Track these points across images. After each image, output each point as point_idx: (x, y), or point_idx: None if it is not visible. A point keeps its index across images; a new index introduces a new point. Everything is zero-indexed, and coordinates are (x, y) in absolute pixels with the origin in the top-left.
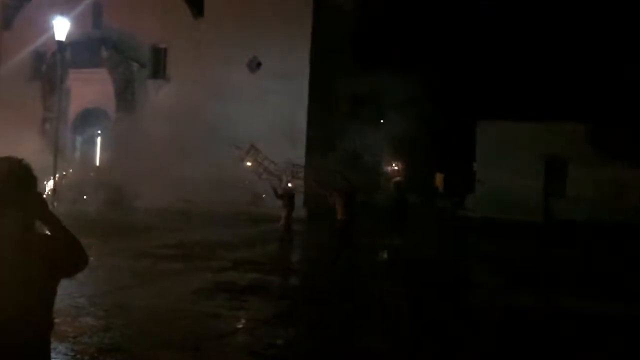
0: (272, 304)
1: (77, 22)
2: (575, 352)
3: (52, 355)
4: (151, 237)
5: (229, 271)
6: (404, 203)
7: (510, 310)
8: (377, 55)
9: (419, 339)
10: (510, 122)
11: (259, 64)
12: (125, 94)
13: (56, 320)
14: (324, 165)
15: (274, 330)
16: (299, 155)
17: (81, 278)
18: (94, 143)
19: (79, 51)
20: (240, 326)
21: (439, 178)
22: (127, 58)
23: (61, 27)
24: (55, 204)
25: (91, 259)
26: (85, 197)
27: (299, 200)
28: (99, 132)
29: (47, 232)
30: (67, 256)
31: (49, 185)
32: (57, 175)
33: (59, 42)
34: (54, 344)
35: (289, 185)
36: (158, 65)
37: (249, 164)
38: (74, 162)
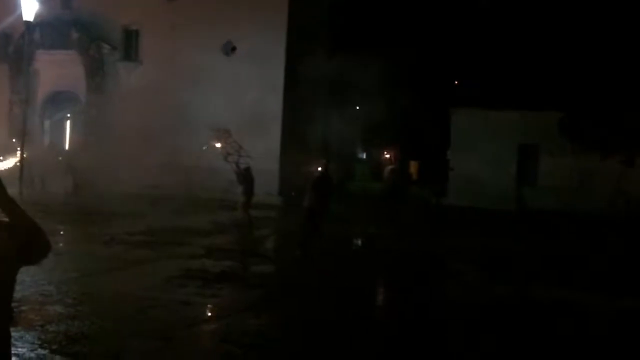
0: (244, 291)
1: (46, 2)
2: (551, 340)
3: (19, 344)
4: (121, 222)
5: (201, 258)
6: (400, 190)
7: (485, 300)
8: (353, 41)
9: (392, 326)
10: (483, 110)
11: (233, 48)
12: (96, 77)
13: (23, 308)
14: (298, 150)
15: (246, 319)
16: (273, 140)
17: (49, 265)
18: (63, 126)
19: (48, 32)
20: (212, 314)
21: (413, 166)
22: (97, 40)
23: (29, 8)
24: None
25: (59, 245)
26: (49, 181)
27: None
28: (69, 115)
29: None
30: (27, 243)
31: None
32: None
33: (27, 22)
34: (20, 333)
35: (248, 168)
36: (130, 47)
37: (218, 145)
38: (42, 145)
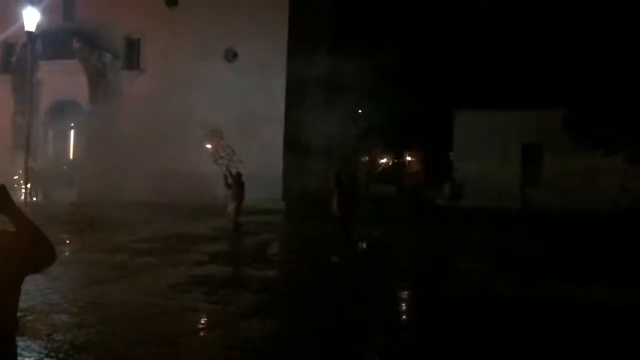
0: (249, 297)
1: (47, 12)
2: (558, 337)
3: (25, 353)
4: (126, 230)
5: (206, 264)
6: (419, 193)
7: (492, 297)
8: (354, 45)
9: (398, 332)
10: (486, 110)
11: (235, 54)
12: (99, 86)
13: (29, 318)
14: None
15: (251, 325)
16: (276, 145)
17: (55, 274)
18: (67, 136)
19: (50, 42)
20: (217, 320)
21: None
22: (99, 49)
23: (31, 18)
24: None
25: (65, 253)
26: (56, 190)
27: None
28: (72, 124)
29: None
30: (33, 252)
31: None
32: (24, 169)
33: (29, 33)
34: (26, 342)
35: (239, 173)
36: (132, 56)
37: (209, 146)
38: (46, 155)
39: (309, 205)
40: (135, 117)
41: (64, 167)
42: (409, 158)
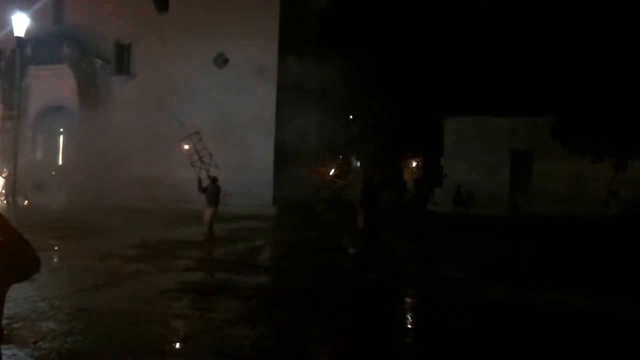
0: (239, 304)
1: (37, 17)
2: (547, 346)
3: None
4: (115, 236)
5: (196, 271)
6: (423, 202)
7: (481, 305)
8: (344, 50)
9: (388, 339)
10: (476, 117)
11: (226, 60)
12: (89, 91)
13: (15, 325)
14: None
15: (241, 332)
16: (267, 150)
17: (42, 280)
18: (56, 141)
19: (40, 47)
20: (206, 327)
21: (407, 174)
22: (89, 54)
23: (20, 23)
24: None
25: (54, 260)
26: (44, 195)
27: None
28: (62, 130)
29: None
30: (16, 260)
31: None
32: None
33: (18, 38)
34: (13, 350)
35: (215, 178)
36: (122, 61)
37: (186, 146)
38: (35, 160)
39: (300, 211)
40: (125, 123)
41: (53, 173)
42: (414, 164)
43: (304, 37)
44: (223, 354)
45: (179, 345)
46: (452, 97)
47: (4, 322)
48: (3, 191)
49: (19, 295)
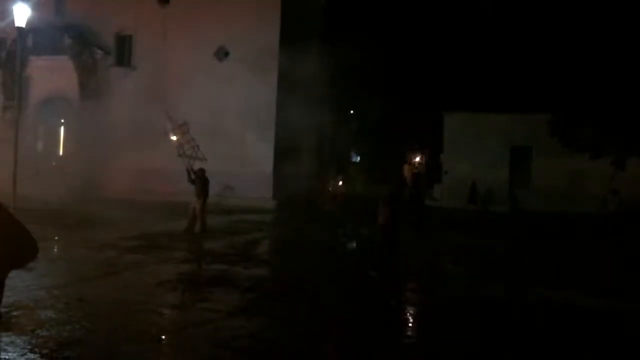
0: (236, 296)
1: (38, 8)
2: (548, 342)
3: (9, 349)
4: (114, 227)
5: (193, 262)
6: (420, 196)
7: (480, 301)
8: (346, 45)
9: (386, 332)
10: (475, 113)
11: (226, 53)
12: (89, 82)
13: (14, 313)
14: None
15: (238, 323)
16: (267, 144)
17: (41, 270)
18: (56, 132)
19: (41, 38)
20: (203, 318)
21: (406, 169)
22: (90, 45)
23: (22, 13)
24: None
25: (53, 250)
26: (44, 186)
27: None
28: (62, 121)
29: None
30: (15, 246)
31: None
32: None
33: (19, 28)
34: (11, 338)
35: (203, 169)
36: (123, 53)
37: (174, 138)
38: (35, 151)
39: (299, 204)
40: (126, 114)
41: (53, 163)
42: (417, 159)
43: (306, 32)
44: (219, 344)
45: (176, 336)
46: (452, 93)
47: (3, 309)
48: None
49: (19, 284)
